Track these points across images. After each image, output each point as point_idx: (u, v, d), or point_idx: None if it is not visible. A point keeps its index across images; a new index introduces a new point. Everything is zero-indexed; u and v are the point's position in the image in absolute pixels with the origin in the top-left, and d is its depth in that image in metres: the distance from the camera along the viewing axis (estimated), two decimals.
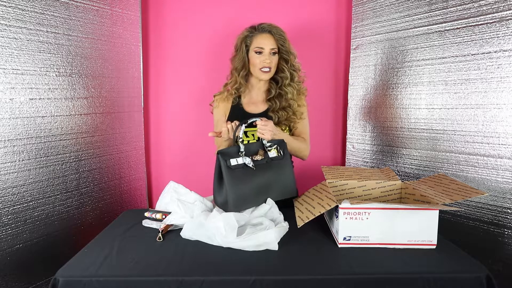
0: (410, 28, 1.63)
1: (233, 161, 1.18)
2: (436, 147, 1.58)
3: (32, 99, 1.44)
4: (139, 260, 0.96)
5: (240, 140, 1.24)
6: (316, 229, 1.17)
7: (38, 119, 1.47)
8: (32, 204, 1.46)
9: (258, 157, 1.22)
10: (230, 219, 1.05)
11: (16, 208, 1.40)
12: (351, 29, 1.90)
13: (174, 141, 2.07)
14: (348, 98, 1.94)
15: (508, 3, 1.33)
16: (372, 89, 1.83)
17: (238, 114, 1.45)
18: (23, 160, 1.42)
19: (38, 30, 1.44)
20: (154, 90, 2.04)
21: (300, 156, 1.48)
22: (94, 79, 1.69)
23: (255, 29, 1.42)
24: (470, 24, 1.44)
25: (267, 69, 1.40)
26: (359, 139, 1.91)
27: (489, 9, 1.38)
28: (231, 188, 1.15)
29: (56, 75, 1.52)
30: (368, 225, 1.02)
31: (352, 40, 1.90)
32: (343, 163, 2.08)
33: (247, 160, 1.19)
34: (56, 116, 1.53)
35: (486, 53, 1.40)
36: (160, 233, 1.11)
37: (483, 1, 1.39)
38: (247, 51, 1.43)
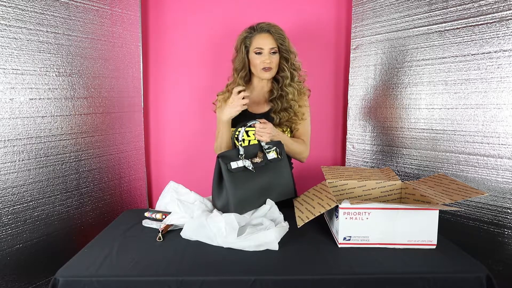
0: (410, 28, 1.63)
1: (233, 164, 1.17)
2: (436, 147, 1.58)
3: (32, 99, 1.44)
4: (139, 260, 0.96)
5: (240, 142, 1.24)
6: (316, 229, 1.17)
7: (38, 119, 1.47)
8: (32, 204, 1.46)
9: (258, 159, 1.22)
10: (231, 219, 1.05)
11: (16, 208, 1.40)
12: (351, 29, 1.90)
13: (174, 141, 2.07)
14: (348, 98, 1.94)
15: (508, 3, 1.33)
16: (372, 89, 1.83)
17: (240, 114, 1.45)
18: (23, 160, 1.42)
19: (38, 30, 1.44)
20: (154, 90, 2.04)
21: (298, 158, 1.48)
22: (94, 79, 1.68)
23: (254, 30, 1.42)
24: (470, 24, 1.44)
25: (268, 68, 1.40)
26: (359, 139, 1.91)
27: (489, 9, 1.38)
28: (232, 192, 1.15)
29: (56, 75, 1.52)
30: (368, 225, 1.02)
31: (352, 40, 1.90)
32: (343, 163, 2.08)
33: (247, 163, 1.19)
34: (56, 116, 1.53)
35: (486, 53, 1.40)
36: (160, 233, 1.11)
37: (483, 1, 1.39)
38: (247, 52, 1.43)
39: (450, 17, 1.49)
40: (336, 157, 2.12)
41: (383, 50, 1.76)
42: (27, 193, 1.44)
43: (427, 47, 1.58)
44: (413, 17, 1.62)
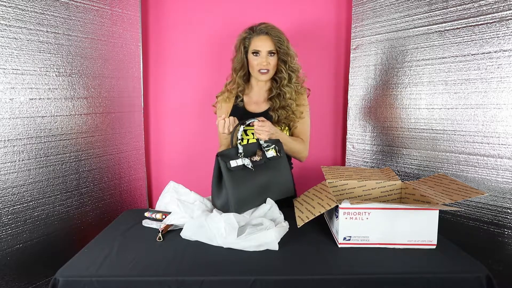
0: (410, 28, 1.63)
1: (233, 163, 1.17)
2: (436, 147, 1.58)
3: (32, 99, 1.44)
4: (139, 260, 0.96)
5: (239, 141, 1.24)
6: (316, 229, 1.17)
7: (38, 119, 1.47)
8: (32, 204, 1.46)
9: (257, 158, 1.22)
10: (230, 219, 1.05)
11: (16, 208, 1.40)
12: (351, 29, 1.90)
13: (174, 141, 2.07)
14: (348, 98, 1.94)
15: (508, 3, 1.33)
16: (372, 89, 1.83)
17: (239, 113, 1.45)
18: (23, 160, 1.42)
19: (38, 30, 1.44)
20: (154, 90, 2.04)
21: (297, 157, 1.48)
22: (94, 79, 1.68)
23: (253, 31, 1.42)
24: (470, 24, 1.44)
25: (265, 71, 1.40)
26: (359, 139, 1.91)
27: (489, 9, 1.38)
28: (232, 190, 1.15)
29: (56, 75, 1.52)
30: (368, 225, 1.02)
31: (352, 40, 1.90)
32: (343, 163, 2.08)
33: (246, 161, 1.19)
34: (56, 116, 1.53)
35: (486, 53, 1.40)
36: (160, 233, 1.11)
37: (483, 1, 1.39)
38: (246, 52, 1.44)
39: (450, 17, 1.49)
40: (336, 157, 2.12)
41: (383, 50, 1.76)
42: (27, 193, 1.44)
43: (427, 47, 1.58)
44: (413, 17, 1.62)
